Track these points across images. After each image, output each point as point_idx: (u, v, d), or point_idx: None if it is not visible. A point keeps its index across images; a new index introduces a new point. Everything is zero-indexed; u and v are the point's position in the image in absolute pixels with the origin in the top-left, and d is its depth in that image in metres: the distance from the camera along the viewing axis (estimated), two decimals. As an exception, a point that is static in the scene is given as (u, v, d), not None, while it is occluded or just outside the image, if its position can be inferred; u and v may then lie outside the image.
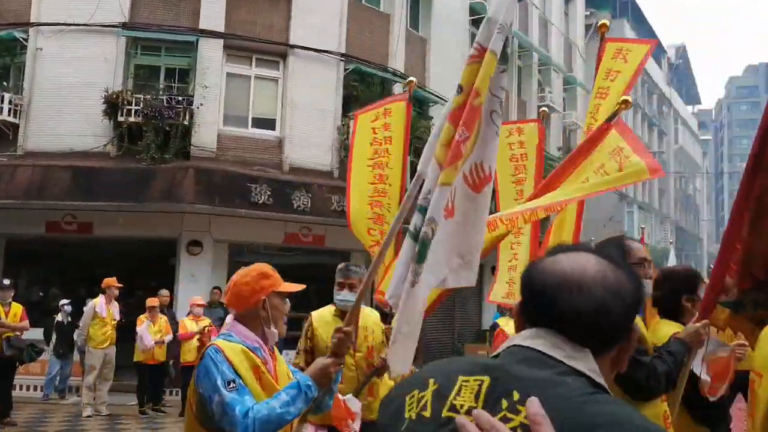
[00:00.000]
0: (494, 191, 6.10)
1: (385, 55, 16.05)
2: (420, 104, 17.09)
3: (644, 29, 39.44)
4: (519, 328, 1.28)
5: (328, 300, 4.68)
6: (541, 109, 5.79)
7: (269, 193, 13.14)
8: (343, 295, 4.48)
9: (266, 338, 2.82)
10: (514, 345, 1.21)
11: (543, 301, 1.22)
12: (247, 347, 2.72)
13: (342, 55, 15.05)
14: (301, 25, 14.68)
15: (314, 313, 4.64)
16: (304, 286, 2.96)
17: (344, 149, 14.75)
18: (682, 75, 52.63)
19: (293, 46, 14.51)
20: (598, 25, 4.43)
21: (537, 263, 1.28)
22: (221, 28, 13.99)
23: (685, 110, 53.48)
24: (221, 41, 14.02)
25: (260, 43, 14.39)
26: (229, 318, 2.99)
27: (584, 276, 1.20)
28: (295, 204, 13.38)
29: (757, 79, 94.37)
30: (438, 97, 16.71)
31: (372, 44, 15.89)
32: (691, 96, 57.20)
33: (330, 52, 14.86)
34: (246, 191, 13.03)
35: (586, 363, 1.16)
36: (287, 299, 3.03)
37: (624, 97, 3.96)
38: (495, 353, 1.25)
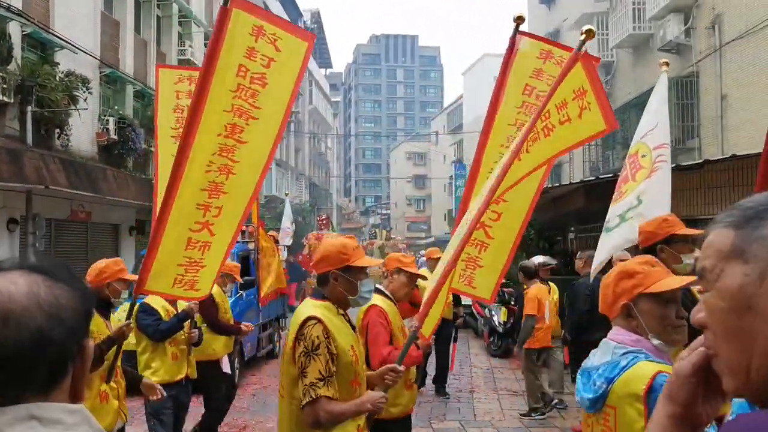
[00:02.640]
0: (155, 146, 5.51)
1: (-3, -13, 13.83)
2: (43, 47, 15.20)
3: (282, -9, 40.77)
4: None
5: None
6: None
7: None
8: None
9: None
10: None
11: None
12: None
13: (-62, -21, 12.54)
14: None
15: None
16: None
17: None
18: (316, 39, 55.87)
19: None
20: (516, 17, 4.09)
21: None
22: None
23: (319, 73, 57.12)
24: None
25: None
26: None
27: (11, 303, 1.00)
28: None
29: (379, 47, 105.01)
30: (65, 40, 15.06)
31: (-21, -28, 13.53)
32: (324, 59, 61.17)
33: None
34: None
35: (86, 421, 1.04)
36: None
37: (588, 27, 3.65)
38: None
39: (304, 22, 50.21)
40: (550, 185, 19.85)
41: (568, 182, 18.65)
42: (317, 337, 2.91)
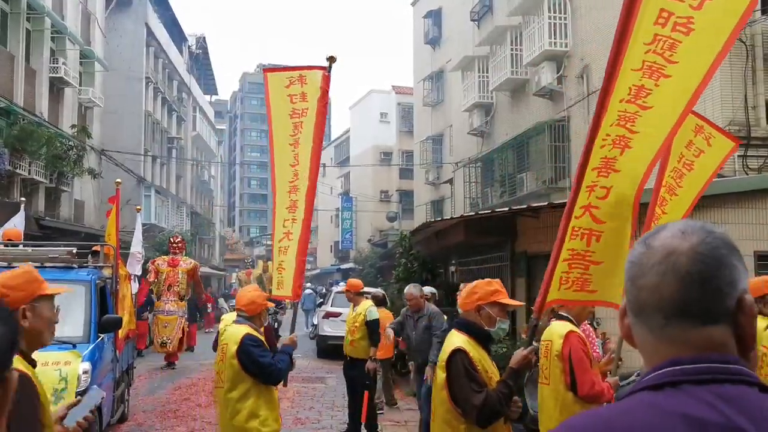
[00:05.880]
0: (271, 155, 5.43)
1: None
2: None
3: (167, 15, 39.78)
4: None
5: None
6: (328, 57, 4.99)
7: None
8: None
9: None
10: None
11: None
12: None
13: None
14: None
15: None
16: None
17: None
18: (201, 64, 54.71)
19: None
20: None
21: None
22: None
23: (203, 99, 55.91)
24: None
25: None
26: None
27: None
28: None
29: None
30: None
31: None
32: (209, 86, 59.90)
33: None
34: None
35: None
36: None
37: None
38: None
39: (189, 47, 49.11)
40: (433, 219, 20.20)
41: (450, 216, 19.09)
42: None
